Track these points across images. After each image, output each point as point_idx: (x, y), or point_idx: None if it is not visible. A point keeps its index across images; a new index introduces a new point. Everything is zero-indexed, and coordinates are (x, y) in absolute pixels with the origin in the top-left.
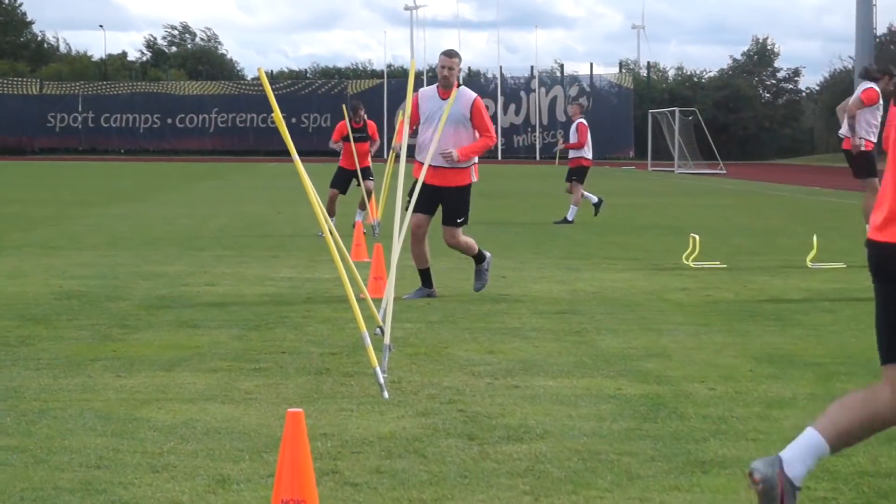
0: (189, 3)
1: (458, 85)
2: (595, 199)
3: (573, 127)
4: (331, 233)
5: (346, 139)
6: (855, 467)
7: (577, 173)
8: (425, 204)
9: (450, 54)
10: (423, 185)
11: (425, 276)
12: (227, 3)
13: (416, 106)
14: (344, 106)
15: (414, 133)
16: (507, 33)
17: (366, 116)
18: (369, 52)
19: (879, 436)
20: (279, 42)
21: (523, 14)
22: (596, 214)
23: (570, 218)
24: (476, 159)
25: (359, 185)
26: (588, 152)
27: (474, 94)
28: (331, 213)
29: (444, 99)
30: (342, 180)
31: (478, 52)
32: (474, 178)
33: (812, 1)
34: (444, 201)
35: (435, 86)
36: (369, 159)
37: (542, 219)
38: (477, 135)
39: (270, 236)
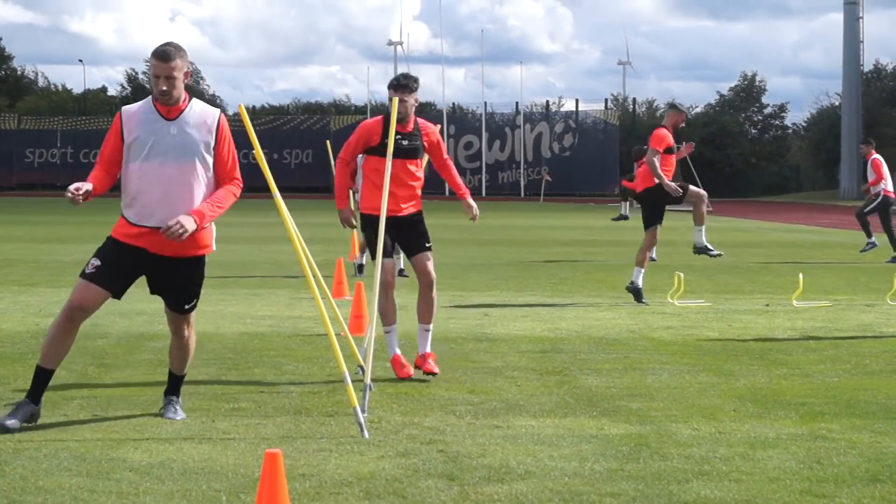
0: (162, 38)
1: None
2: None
3: (869, 164)
4: (314, 276)
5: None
6: None
7: (885, 205)
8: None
9: (166, 55)
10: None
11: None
12: (201, 38)
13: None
14: (328, 142)
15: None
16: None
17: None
18: (346, 87)
19: (862, 476)
20: (254, 77)
21: (499, 50)
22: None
23: None
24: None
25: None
26: (889, 184)
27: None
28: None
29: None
30: None
31: (456, 88)
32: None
33: (791, 38)
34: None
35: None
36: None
37: (527, 256)
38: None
39: (252, 274)
